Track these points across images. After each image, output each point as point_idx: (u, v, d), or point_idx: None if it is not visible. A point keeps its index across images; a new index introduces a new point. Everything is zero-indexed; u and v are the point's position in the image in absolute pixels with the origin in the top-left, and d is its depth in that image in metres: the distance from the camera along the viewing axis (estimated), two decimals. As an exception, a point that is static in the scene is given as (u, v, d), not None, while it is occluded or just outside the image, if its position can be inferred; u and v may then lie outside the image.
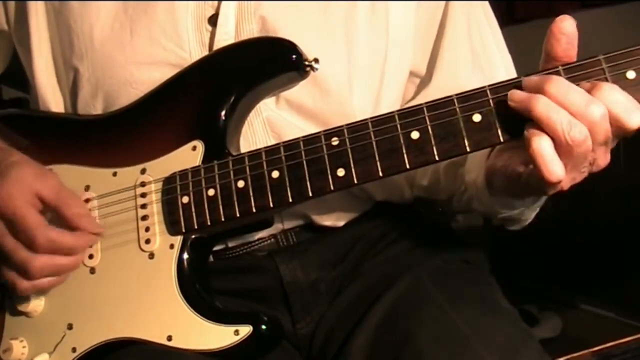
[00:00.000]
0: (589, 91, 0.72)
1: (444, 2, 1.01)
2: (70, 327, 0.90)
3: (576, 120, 0.71)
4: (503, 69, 1.03)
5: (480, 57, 1.02)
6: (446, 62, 1.01)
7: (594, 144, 0.72)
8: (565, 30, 0.74)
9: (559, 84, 0.72)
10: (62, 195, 0.88)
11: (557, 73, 0.75)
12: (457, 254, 1.03)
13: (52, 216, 0.89)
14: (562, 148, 0.72)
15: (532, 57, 1.06)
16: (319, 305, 0.99)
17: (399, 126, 0.79)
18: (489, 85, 0.77)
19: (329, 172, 0.81)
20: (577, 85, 0.73)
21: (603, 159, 0.75)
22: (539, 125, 0.72)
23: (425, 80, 1.02)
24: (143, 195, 0.90)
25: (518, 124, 0.76)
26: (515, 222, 0.96)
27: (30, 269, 0.86)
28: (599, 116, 0.71)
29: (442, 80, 1.00)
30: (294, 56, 0.86)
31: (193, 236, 0.88)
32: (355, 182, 0.81)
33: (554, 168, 0.72)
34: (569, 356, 0.93)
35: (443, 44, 1.01)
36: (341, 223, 1.01)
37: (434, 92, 0.94)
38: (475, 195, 0.93)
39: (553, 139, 0.72)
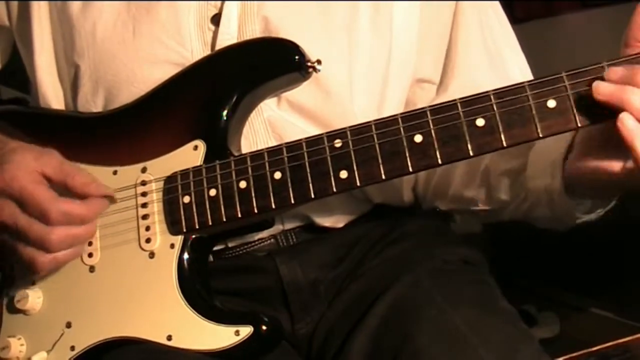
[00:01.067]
0: None
1: (448, 3, 1.01)
2: (69, 325, 0.89)
3: None
4: (517, 68, 1.03)
5: (494, 57, 1.02)
6: (463, 66, 1.01)
7: None
8: None
9: None
10: (65, 168, 0.88)
11: (561, 79, 0.75)
12: (456, 254, 1.03)
13: (59, 192, 0.87)
14: None
15: (531, 57, 1.07)
16: (319, 306, 0.99)
17: (402, 129, 0.79)
18: (492, 90, 0.77)
19: (331, 173, 0.81)
20: None
21: None
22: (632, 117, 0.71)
23: (443, 85, 1.02)
24: (144, 194, 0.90)
25: (521, 128, 0.76)
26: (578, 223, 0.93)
27: (49, 242, 0.84)
28: None
29: (461, 83, 0.99)
30: (296, 57, 0.86)
31: (194, 236, 0.87)
32: (358, 184, 0.81)
33: None
34: (567, 356, 0.93)
35: (458, 47, 1.01)
36: (341, 224, 1.01)
37: (452, 97, 0.94)
38: (544, 201, 0.90)
39: None
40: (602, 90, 0.73)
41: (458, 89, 0.97)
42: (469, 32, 1.01)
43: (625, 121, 0.72)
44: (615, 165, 0.77)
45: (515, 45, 1.06)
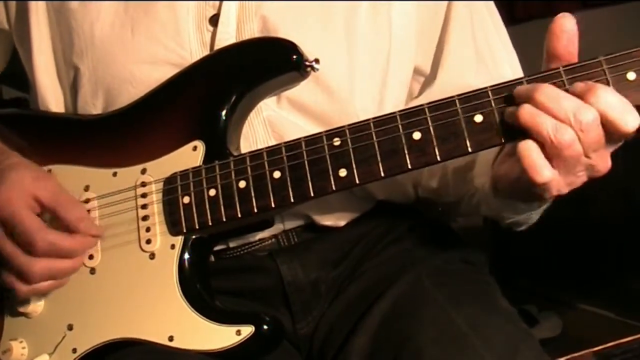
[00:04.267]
0: (582, 94, 0.73)
1: (443, 2, 1.01)
2: (70, 327, 0.90)
3: (561, 123, 0.72)
4: (509, 67, 1.03)
5: (485, 55, 1.02)
6: (450, 62, 1.01)
7: (587, 149, 0.73)
8: (566, 28, 0.74)
9: (547, 91, 0.73)
10: (60, 198, 0.88)
11: (558, 74, 0.75)
12: (457, 254, 1.03)
13: (51, 219, 0.89)
14: (551, 151, 0.73)
15: (531, 57, 1.07)
16: (320, 305, 0.99)
17: (400, 127, 0.79)
18: (490, 86, 0.77)
19: (330, 172, 0.81)
20: (571, 86, 0.74)
21: (602, 164, 0.75)
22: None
23: (429, 80, 1.03)
24: (144, 195, 0.90)
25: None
26: (522, 224, 0.96)
27: (30, 274, 0.85)
28: (589, 121, 0.71)
29: (446, 80, 1.00)
30: (294, 56, 0.86)
31: (194, 236, 0.88)
32: (357, 182, 0.81)
33: (539, 169, 0.73)
34: (568, 356, 0.94)
35: (447, 43, 1.01)
36: (342, 223, 1.01)
37: (437, 92, 0.94)
38: (483, 199, 0.93)
39: (542, 143, 0.73)
40: (506, 111, 0.76)
41: (443, 85, 0.98)
42: (459, 30, 1.01)
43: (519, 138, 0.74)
44: (520, 171, 0.77)
45: (508, 45, 1.06)
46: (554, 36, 0.74)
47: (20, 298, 0.89)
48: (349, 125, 0.82)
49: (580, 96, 0.73)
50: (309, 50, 0.86)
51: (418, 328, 0.86)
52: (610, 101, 0.72)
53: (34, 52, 0.99)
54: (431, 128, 0.78)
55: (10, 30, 1.04)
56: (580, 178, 0.76)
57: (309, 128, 0.92)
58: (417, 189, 1.06)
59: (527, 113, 0.73)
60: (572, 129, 0.72)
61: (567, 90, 0.74)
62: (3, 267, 0.87)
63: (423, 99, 0.81)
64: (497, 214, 0.94)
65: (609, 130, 0.73)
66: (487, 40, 1.03)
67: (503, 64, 1.03)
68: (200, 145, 0.88)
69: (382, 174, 0.80)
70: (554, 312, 2.31)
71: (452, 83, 0.96)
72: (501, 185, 0.84)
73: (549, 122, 0.72)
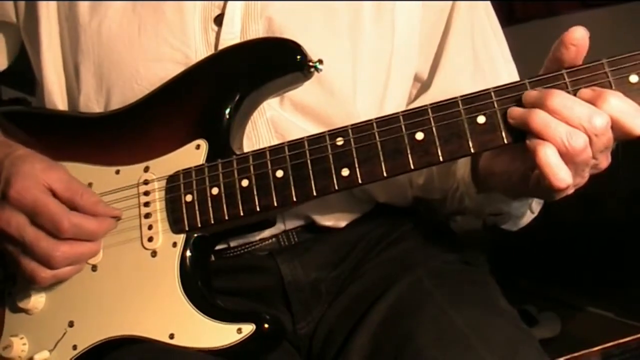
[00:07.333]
0: (591, 100, 0.74)
1: (447, 4, 1.02)
2: (71, 324, 0.90)
3: (575, 130, 0.73)
4: (506, 75, 1.04)
5: (483, 62, 1.03)
6: (447, 68, 1.01)
7: (596, 152, 0.74)
8: (576, 42, 0.75)
9: (559, 98, 0.73)
10: (73, 186, 0.88)
11: (561, 77, 0.75)
12: (457, 254, 1.03)
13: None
14: (564, 157, 0.73)
15: (531, 57, 1.07)
16: (320, 305, 1.00)
17: (403, 127, 0.80)
18: (493, 88, 0.78)
19: (333, 171, 0.82)
20: (579, 91, 0.75)
21: (605, 162, 0.77)
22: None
23: (425, 85, 1.03)
24: (146, 193, 0.90)
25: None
26: (506, 219, 0.97)
27: (53, 258, 0.85)
28: (603, 127, 0.73)
29: (442, 86, 1.01)
30: (298, 57, 0.86)
31: (196, 235, 0.88)
32: (360, 182, 0.81)
33: (562, 175, 0.73)
34: (568, 356, 0.94)
35: (446, 49, 1.02)
36: (342, 224, 1.01)
37: (432, 97, 0.94)
38: (465, 192, 0.94)
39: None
40: (513, 114, 0.76)
41: (439, 91, 0.99)
42: (459, 36, 1.01)
43: (534, 141, 0.74)
44: (525, 171, 0.78)
45: (506, 53, 1.06)
46: (562, 46, 0.75)
47: (41, 284, 0.88)
48: (352, 125, 0.82)
49: (591, 102, 0.73)
50: (313, 52, 0.87)
51: (418, 329, 0.87)
52: (621, 107, 0.73)
53: (42, 48, 0.99)
54: (434, 128, 0.79)
55: (18, 24, 1.04)
56: (585, 178, 0.77)
57: (312, 129, 0.92)
58: (412, 188, 1.06)
59: (539, 119, 0.73)
60: (586, 134, 0.73)
61: (570, 93, 0.75)
62: (23, 255, 0.86)
63: (418, 104, 0.82)
64: (478, 207, 0.95)
65: (618, 133, 0.74)
66: (486, 48, 1.04)
67: (501, 72, 1.04)
68: (203, 144, 0.89)
69: (385, 174, 0.80)
70: (554, 312, 2.32)
71: (447, 90, 0.97)
72: (495, 182, 0.85)
73: (562, 129, 0.73)
